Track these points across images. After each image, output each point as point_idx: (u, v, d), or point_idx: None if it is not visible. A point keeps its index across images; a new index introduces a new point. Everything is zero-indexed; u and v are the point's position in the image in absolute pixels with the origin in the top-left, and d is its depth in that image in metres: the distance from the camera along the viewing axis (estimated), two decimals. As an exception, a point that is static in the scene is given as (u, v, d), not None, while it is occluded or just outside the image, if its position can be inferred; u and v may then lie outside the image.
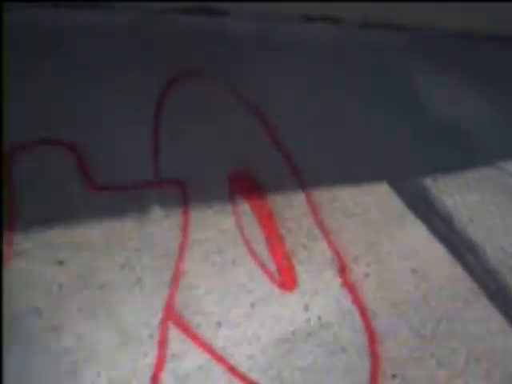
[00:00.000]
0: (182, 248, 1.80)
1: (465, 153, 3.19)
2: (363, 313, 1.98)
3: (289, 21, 2.99)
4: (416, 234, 2.42)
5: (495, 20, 3.97)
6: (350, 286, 2.03)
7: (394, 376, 1.88)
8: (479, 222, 2.75)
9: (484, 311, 2.31)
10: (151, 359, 1.53)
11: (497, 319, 2.32)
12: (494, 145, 3.41)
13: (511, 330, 2.29)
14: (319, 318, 1.88)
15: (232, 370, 1.61)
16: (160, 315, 1.63)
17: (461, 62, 3.80)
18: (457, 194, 2.85)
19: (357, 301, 2.00)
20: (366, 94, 2.97)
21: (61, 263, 1.61)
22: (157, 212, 1.84)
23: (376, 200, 2.44)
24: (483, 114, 3.68)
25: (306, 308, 1.88)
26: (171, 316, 1.63)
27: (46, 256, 1.61)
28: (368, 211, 2.32)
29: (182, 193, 1.95)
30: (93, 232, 1.71)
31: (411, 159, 2.84)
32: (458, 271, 2.37)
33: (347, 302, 1.99)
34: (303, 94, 2.66)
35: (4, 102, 1.76)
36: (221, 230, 1.92)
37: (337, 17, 3.27)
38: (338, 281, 2.02)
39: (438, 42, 3.71)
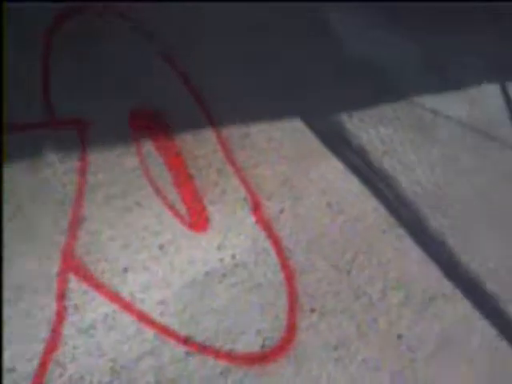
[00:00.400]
0: (81, 193, 1.66)
1: (380, 89, 3.17)
2: (279, 249, 1.92)
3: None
4: (331, 169, 2.39)
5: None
6: (264, 223, 1.96)
7: (312, 310, 1.85)
8: (394, 155, 2.75)
9: (399, 241, 2.33)
10: (49, 312, 1.40)
11: (412, 249, 2.34)
12: (407, 80, 3.41)
13: (426, 259, 2.33)
14: (233, 257, 1.81)
15: (141, 316, 1.51)
16: (58, 265, 1.48)
17: (383, 3, 3.75)
18: (371, 128, 2.84)
19: (272, 237, 1.94)
20: (284, 31, 2.86)
21: None
22: (51, 155, 1.67)
23: (289, 136, 2.37)
24: (397, 50, 3.66)
25: (220, 248, 1.80)
26: (70, 265, 1.50)
27: None
28: (281, 147, 2.24)
29: (81, 133, 1.78)
30: (-23, 179, 1.52)
31: (326, 95, 2.77)
32: (373, 203, 2.37)
33: (262, 239, 1.92)
34: (216, 35, 2.50)
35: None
36: (123, 171, 1.79)
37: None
38: (252, 219, 1.95)
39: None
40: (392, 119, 3.00)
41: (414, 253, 2.34)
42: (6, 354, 1.30)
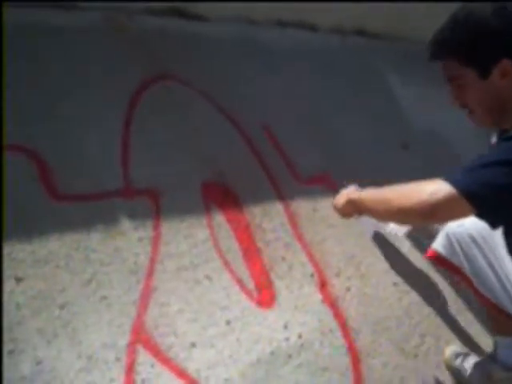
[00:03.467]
0: (153, 263, 1.67)
1: (446, 163, 3.13)
2: (345, 330, 1.88)
3: (264, 26, 2.90)
4: (398, 247, 2.34)
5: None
6: (331, 302, 1.93)
7: (378, 397, 1.78)
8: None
9: (467, 325, 2.23)
10: (118, 385, 1.40)
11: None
12: (472, 154, 3.35)
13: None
14: (299, 336, 1.77)
15: (207, 396, 1.48)
16: (128, 337, 1.49)
17: (439, 71, 3.76)
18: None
19: (338, 317, 1.90)
20: (345, 102, 2.90)
21: (19, 280, 1.46)
22: (126, 224, 1.71)
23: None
24: (464, 125, 3.64)
25: (286, 326, 1.77)
26: (140, 337, 1.50)
27: (4, 271, 1.46)
28: (349, 223, 2.21)
29: (154, 203, 1.82)
30: (54, 245, 1.56)
31: (393, 169, 2.76)
32: (446, 283, 2.29)
33: (329, 318, 1.88)
34: (280, 100, 2.56)
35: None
36: (194, 243, 1.80)
37: (313, 22, 3.21)
38: (319, 296, 1.92)
39: (414, 49, 3.66)
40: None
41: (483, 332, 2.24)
42: (75, 427, 1.29)
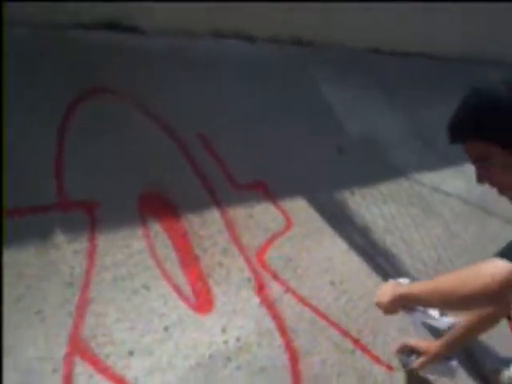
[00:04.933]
0: (89, 274, 1.69)
1: (380, 166, 3.25)
2: (283, 330, 1.93)
3: (200, 37, 2.95)
4: (334, 248, 2.43)
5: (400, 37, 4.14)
6: (268, 304, 1.98)
7: (316, 393, 1.84)
8: (395, 232, 2.80)
9: (403, 320, 2.33)
10: (55, 397, 1.41)
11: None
12: (405, 158, 3.51)
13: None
14: (238, 339, 1.82)
15: (145, 402, 1.51)
16: (64, 348, 1.50)
17: (372, 77, 3.91)
18: (373, 206, 2.90)
19: (276, 318, 1.95)
20: (282, 110, 2.98)
21: (-50, 299, 1.46)
22: (60, 237, 1.72)
23: (293, 215, 2.42)
24: (396, 128, 3.79)
25: (224, 330, 1.81)
26: (77, 348, 1.51)
27: None
28: (285, 226, 2.29)
29: (89, 215, 1.83)
30: (-14, 262, 1.56)
31: (329, 173, 2.85)
32: (375, 281, 2.39)
33: (266, 320, 1.94)
34: (216, 110, 2.62)
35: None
36: (131, 253, 1.83)
37: (250, 34, 3.28)
38: (257, 300, 1.97)
39: (348, 56, 3.80)
40: (393, 196, 3.07)
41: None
42: None
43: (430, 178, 3.54)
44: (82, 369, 1.49)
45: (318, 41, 3.74)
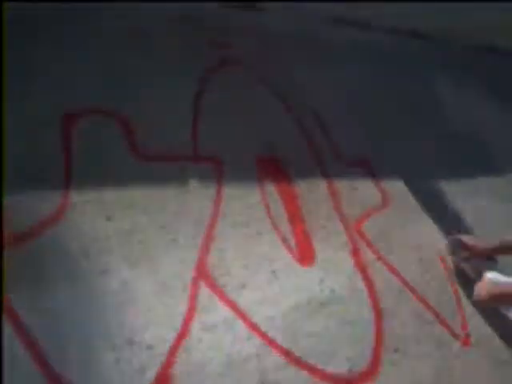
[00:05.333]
0: (214, 217, 2.00)
1: (478, 162, 3.36)
2: (371, 291, 2.17)
3: (325, 23, 3.19)
4: (425, 228, 2.61)
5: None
6: (361, 267, 2.22)
7: (395, 350, 2.06)
8: (485, 225, 2.92)
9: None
10: (183, 309, 1.73)
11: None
12: (505, 156, 3.58)
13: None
14: (332, 291, 2.07)
15: (252, 326, 1.81)
16: (192, 272, 1.82)
17: (483, 75, 3.98)
18: (467, 197, 3.03)
19: (367, 280, 2.19)
20: (391, 97, 3.17)
21: (109, 218, 1.81)
22: (194, 184, 2.04)
23: (391, 194, 2.63)
24: (499, 126, 3.84)
25: (321, 281, 2.07)
26: (202, 274, 1.83)
27: (96, 211, 1.81)
28: (383, 203, 2.51)
29: (217, 169, 2.14)
30: (136, 195, 1.91)
31: (429, 163, 3.02)
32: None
33: (358, 281, 2.18)
34: (331, 89, 2.86)
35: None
36: (248, 205, 2.12)
37: (368, 22, 3.47)
38: (351, 261, 2.21)
39: (462, 54, 3.89)
40: (488, 192, 3.18)
41: (496, 318, 2.48)
42: (148, 334, 1.63)
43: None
44: (205, 291, 1.81)
45: (437, 34, 3.85)
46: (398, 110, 3.12)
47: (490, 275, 2.22)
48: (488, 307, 2.09)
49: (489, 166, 3.39)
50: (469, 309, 2.43)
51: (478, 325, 2.39)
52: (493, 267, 2.32)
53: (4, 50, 1.96)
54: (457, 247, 2.48)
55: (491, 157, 3.46)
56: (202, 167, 2.12)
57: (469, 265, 2.43)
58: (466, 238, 2.44)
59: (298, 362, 1.82)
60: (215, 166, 2.16)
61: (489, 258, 2.39)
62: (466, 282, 2.45)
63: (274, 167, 2.30)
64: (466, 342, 2.31)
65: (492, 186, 3.27)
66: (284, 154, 2.38)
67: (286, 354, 1.81)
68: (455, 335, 2.29)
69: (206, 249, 1.90)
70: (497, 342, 2.40)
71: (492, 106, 3.92)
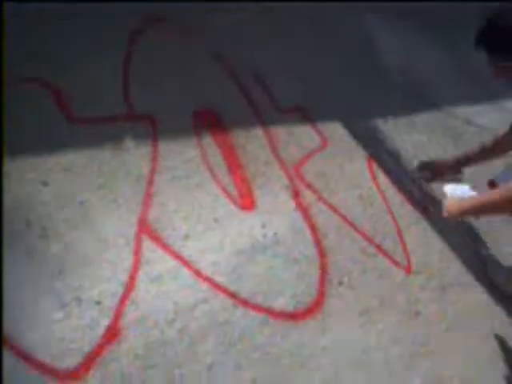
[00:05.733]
0: (152, 174, 2.04)
1: (416, 98, 3.45)
2: (314, 230, 2.26)
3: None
4: (364, 167, 2.70)
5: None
6: (302, 209, 2.30)
7: (340, 283, 2.17)
8: (424, 158, 3.03)
9: (424, 232, 2.62)
10: (128, 263, 1.78)
11: (435, 240, 2.63)
12: (442, 91, 3.68)
13: (447, 250, 2.61)
14: (275, 234, 2.15)
15: (198, 272, 1.88)
16: (134, 228, 1.87)
17: (412, 13, 4.04)
18: (405, 133, 3.13)
19: (308, 220, 2.27)
20: (325, 43, 3.20)
21: (45, 184, 1.83)
22: (130, 142, 2.07)
23: (329, 136, 2.70)
24: (436, 65, 3.93)
25: (264, 226, 2.15)
26: (144, 229, 1.88)
27: (32, 177, 1.83)
28: (321, 145, 2.59)
29: (152, 126, 2.17)
30: (72, 158, 1.93)
31: (365, 102, 3.09)
32: (401, 198, 2.66)
33: (300, 222, 2.26)
34: (265, 43, 2.88)
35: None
36: (186, 159, 2.16)
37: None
38: (292, 204, 2.29)
39: None
40: (425, 127, 3.29)
41: (437, 243, 2.63)
42: (95, 291, 1.68)
43: (465, 111, 3.72)
44: (148, 244, 1.86)
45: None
46: (331, 54, 3.17)
47: (456, 191, 2.36)
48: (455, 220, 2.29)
49: (425, 101, 3.49)
50: (410, 239, 2.56)
51: (419, 253, 2.52)
52: (458, 180, 2.48)
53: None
54: (424, 169, 2.69)
55: (426, 92, 3.56)
56: (137, 126, 2.15)
57: (436, 184, 2.63)
58: (430, 160, 2.69)
59: (245, 303, 1.91)
60: (150, 124, 2.18)
61: (455, 172, 2.60)
62: (436, 201, 2.59)
63: (210, 120, 2.34)
64: (408, 270, 2.43)
65: (429, 120, 3.38)
66: (221, 108, 2.41)
67: (233, 296, 1.90)
68: (398, 265, 2.41)
69: (146, 205, 1.95)
70: (438, 267, 2.54)
71: (425, 42, 4.01)
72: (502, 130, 2.43)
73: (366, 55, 3.43)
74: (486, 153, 2.52)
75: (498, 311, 2.56)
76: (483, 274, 2.66)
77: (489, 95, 4.00)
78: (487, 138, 2.56)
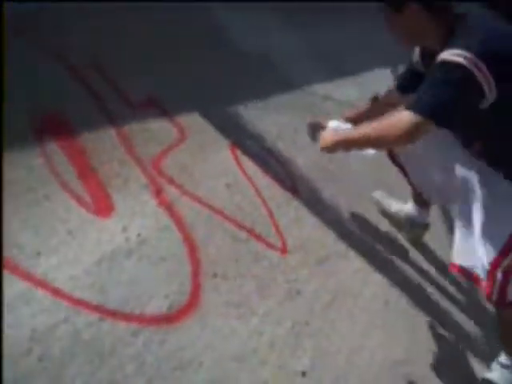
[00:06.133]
0: (-9, 191, 1.84)
1: (273, 80, 3.47)
2: (180, 225, 2.16)
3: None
4: (228, 156, 2.65)
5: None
6: (166, 205, 2.19)
7: (214, 275, 2.10)
8: (287, 138, 3.04)
9: (295, 211, 2.62)
10: (-34, 295, 1.59)
11: (308, 217, 2.64)
12: (298, 71, 3.73)
13: (321, 225, 2.62)
14: (138, 235, 2.03)
15: (55, 291, 1.71)
16: (-27, 251, 1.67)
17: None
18: (266, 116, 3.12)
19: (174, 216, 2.17)
20: (172, 31, 3.11)
21: None
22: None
23: (188, 130, 2.62)
24: (289, 46, 3.99)
25: (125, 229, 2.02)
26: (-16, 253, 1.68)
27: None
28: (180, 140, 2.50)
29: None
30: None
31: (223, 90, 3.04)
32: (268, 181, 2.64)
33: (165, 219, 2.15)
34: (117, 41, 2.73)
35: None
36: (30, 170, 1.97)
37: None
38: (155, 202, 2.18)
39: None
40: (285, 107, 3.31)
41: (310, 220, 2.63)
42: None
43: (323, 87, 3.80)
44: (-9, 269, 1.66)
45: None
46: (184, 43, 3.09)
47: (333, 124, 2.33)
48: (331, 153, 2.23)
49: (283, 82, 3.52)
50: (283, 219, 2.54)
51: (293, 232, 2.51)
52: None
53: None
54: (316, 131, 2.52)
55: (284, 73, 3.59)
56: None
57: None
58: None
59: (113, 314, 1.77)
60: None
61: None
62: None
63: (52, 124, 2.16)
64: (283, 250, 2.41)
65: (289, 100, 3.41)
66: (63, 109, 2.24)
67: (97, 309, 1.75)
68: (272, 247, 2.38)
69: (-15, 226, 1.74)
70: (313, 242, 2.54)
71: (278, 26, 4.05)
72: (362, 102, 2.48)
73: (219, 42, 3.38)
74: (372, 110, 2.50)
75: (377, 276, 2.62)
76: (358, 241, 2.71)
77: (344, 72, 4.14)
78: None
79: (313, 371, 2.05)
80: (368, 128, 1.98)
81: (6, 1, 1.99)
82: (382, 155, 2.51)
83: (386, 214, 2.94)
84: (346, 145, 2.13)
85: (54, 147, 2.10)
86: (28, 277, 1.71)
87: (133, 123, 2.40)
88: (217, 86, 3.02)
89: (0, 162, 1.71)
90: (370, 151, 2.21)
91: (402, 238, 2.94)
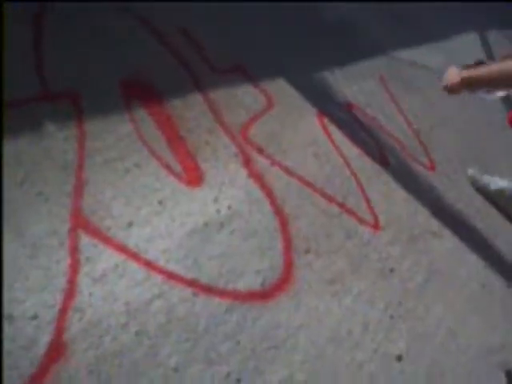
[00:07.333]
0: (81, 158, 1.77)
1: (358, 47, 3.27)
2: (271, 198, 2.05)
3: None
4: (316, 123, 2.50)
5: None
6: (256, 176, 2.08)
7: (307, 251, 1.99)
8: (376, 106, 2.87)
9: (385, 185, 2.46)
10: (64, 266, 1.53)
11: (398, 191, 2.48)
12: (383, 37, 3.51)
13: (412, 201, 2.46)
14: (229, 207, 1.93)
15: (148, 264, 1.64)
16: (67, 224, 1.61)
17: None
18: (353, 83, 2.95)
19: (264, 188, 2.06)
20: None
21: (-45, 185, 1.55)
22: (50, 126, 1.79)
23: (275, 95, 2.48)
24: (372, 11, 3.76)
25: (216, 200, 1.93)
26: (79, 223, 1.62)
27: None
28: (267, 106, 2.36)
29: (74, 104, 1.89)
30: (-16, 152, 1.64)
31: (308, 56, 2.88)
32: (357, 151, 2.49)
33: (255, 190, 2.05)
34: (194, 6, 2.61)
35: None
36: (119, 137, 1.90)
37: None
38: (244, 172, 2.07)
39: None
40: (372, 74, 3.12)
41: (400, 195, 2.47)
42: (28, 303, 1.43)
43: (408, 53, 3.57)
44: (86, 240, 1.61)
45: None
46: (265, 13, 2.93)
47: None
48: (454, 93, 2.03)
49: (369, 50, 3.32)
50: (373, 193, 2.39)
51: (384, 207, 2.36)
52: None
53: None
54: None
55: (369, 40, 3.38)
56: (57, 105, 1.86)
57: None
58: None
59: (207, 289, 1.70)
60: (71, 102, 1.89)
61: None
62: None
63: (141, 90, 2.07)
64: (376, 226, 2.28)
65: (375, 66, 3.21)
66: (151, 75, 2.14)
67: (191, 284, 1.68)
68: (364, 222, 2.25)
69: (78, 195, 1.68)
70: (406, 218, 2.39)
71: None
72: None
73: (302, 10, 3.20)
74: None
75: (472, 257, 2.45)
76: (451, 218, 2.54)
77: (426, 39, 3.88)
78: (435, 80, 2.39)
79: (408, 356, 1.93)
80: (494, 66, 1.85)
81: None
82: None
83: (481, 190, 2.75)
84: (472, 82, 1.96)
85: (142, 114, 2.00)
86: (122, 249, 1.64)
87: (219, 89, 2.28)
88: (301, 52, 2.87)
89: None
90: (494, 94, 2.05)
91: (498, 216, 2.74)
